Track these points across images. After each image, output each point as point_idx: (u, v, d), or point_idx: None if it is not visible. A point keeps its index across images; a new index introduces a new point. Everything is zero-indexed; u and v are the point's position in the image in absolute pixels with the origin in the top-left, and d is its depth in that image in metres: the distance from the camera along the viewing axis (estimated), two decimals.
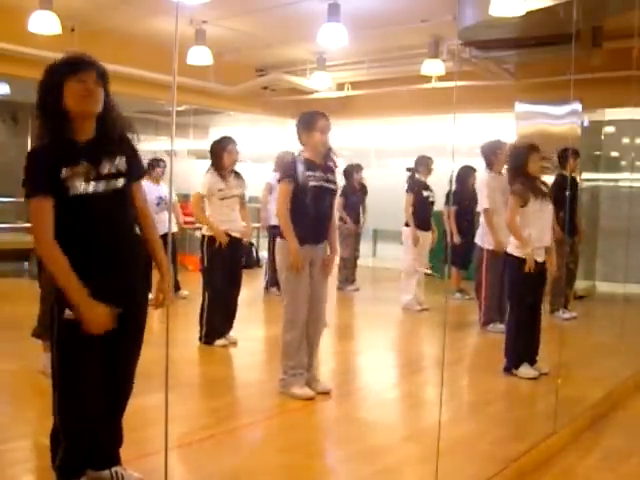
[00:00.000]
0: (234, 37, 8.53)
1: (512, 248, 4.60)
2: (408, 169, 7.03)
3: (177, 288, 7.21)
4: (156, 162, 7.04)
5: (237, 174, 5.30)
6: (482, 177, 6.05)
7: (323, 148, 3.98)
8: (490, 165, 5.97)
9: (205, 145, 11.40)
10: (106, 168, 2.42)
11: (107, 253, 2.42)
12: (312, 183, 3.91)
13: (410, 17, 7.25)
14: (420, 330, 6.61)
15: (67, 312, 2.36)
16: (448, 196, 7.24)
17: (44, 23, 6.50)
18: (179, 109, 9.96)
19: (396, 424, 3.86)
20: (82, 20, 7.56)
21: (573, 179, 6.50)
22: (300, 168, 3.92)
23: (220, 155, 5.14)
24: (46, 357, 4.18)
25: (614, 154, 9.29)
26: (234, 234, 5.18)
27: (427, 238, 7.00)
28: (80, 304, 2.31)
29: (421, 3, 6.84)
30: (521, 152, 4.67)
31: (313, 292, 4.01)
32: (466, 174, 7.50)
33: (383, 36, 8.08)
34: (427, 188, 6.98)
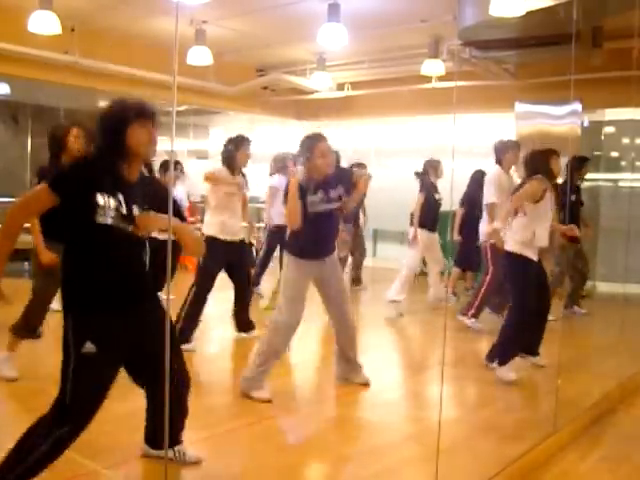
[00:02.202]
0: (234, 37, 8.53)
1: (515, 246, 4.56)
2: (416, 173, 7.04)
3: None
4: (168, 164, 6.77)
5: (243, 175, 5.34)
6: (493, 172, 6.05)
7: (327, 171, 3.99)
8: (499, 162, 6.02)
9: (205, 145, 11.47)
10: (137, 210, 2.51)
11: (121, 284, 2.49)
12: (312, 209, 3.96)
13: (410, 17, 7.25)
14: (420, 330, 6.61)
15: (88, 345, 2.38)
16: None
17: (44, 23, 6.49)
18: (179, 109, 9.95)
19: (396, 424, 3.86)
20: (82, 20, 7.56)
21: (577, 187, 6.64)
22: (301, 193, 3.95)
23: (234, 153, 5.18)
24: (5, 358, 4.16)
25: (614, 154, 9.28)
26: (227, 238, 5.15)
27: (435, 239, 7.02)
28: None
29: (421, 3, 6.83)
30: (542, 156, 4.63)
31: (333, 305, 4.14)
32: (481, 178, 7.50)
33: (383, 36, 8.07)
34: (437, 191, 6.99)
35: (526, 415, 4.01)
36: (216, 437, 3.36)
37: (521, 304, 4.55)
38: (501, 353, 4.56)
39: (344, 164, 7.19)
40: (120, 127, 2.49)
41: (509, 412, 4.07)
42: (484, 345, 5.85)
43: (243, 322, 5.42)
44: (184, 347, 5.12)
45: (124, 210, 2.47)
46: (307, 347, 5.53)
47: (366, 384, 4.32)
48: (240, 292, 5.33)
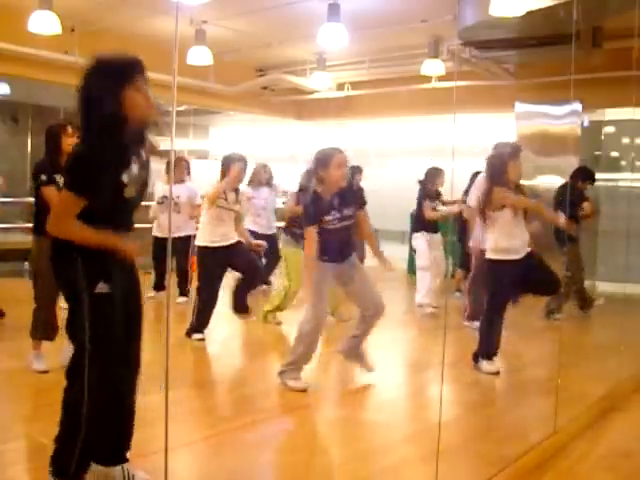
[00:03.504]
0: (234, 37, 8.53)
1: (490, 253, 4.65)
2: (420, 181, 7.07)
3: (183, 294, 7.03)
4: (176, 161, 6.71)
5: (238, 192, 5.34)
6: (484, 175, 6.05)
7: (342, 183, 4.08)
8: None
9: (205, 145, 11.46)
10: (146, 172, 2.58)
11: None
12: (327, 227, 4.08)
13: (410, 17, 7.25)
14: (420, 330, 6.61)
15: (100, 285, 2.41)
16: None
17: (44, 23, 6.50)
18: (179, 109, 9.95)
19: (396, 424, 3.86)
20: (82, 20, 7.57)
21: (581, 192, 6.66)
22: (315, 211, 4.07)
23: (228, 170, 5.19)
24: (34, 355, 4.23)
25: (614, 154, 9.28)
26: (218, 244, 5.17)
27: (436, 240, 7.05)
28: (112, 243, 2.42)
29: (421, 3, 6.84)
30: (501, 159, 4.62)
31: (362, 296, 4.31)
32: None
33: (383, 36, 8.08)
34: (435, 198, 7.01)
35: (526, 415, 4.01)
36: (216, 437, 3.36)
37: (493, 305, 4.68)
38: (481, 350, 4.77)
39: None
40: (113, 94, 2.40)
41: (509, 412, 4.07)
42: None
43: (239, 303, 5.41)
44: (196, 336, 5.24)
45: (143, 176, 2.53)
46: None
47: (370, 370, 4.45)
48: (248, 275, 5.36)
